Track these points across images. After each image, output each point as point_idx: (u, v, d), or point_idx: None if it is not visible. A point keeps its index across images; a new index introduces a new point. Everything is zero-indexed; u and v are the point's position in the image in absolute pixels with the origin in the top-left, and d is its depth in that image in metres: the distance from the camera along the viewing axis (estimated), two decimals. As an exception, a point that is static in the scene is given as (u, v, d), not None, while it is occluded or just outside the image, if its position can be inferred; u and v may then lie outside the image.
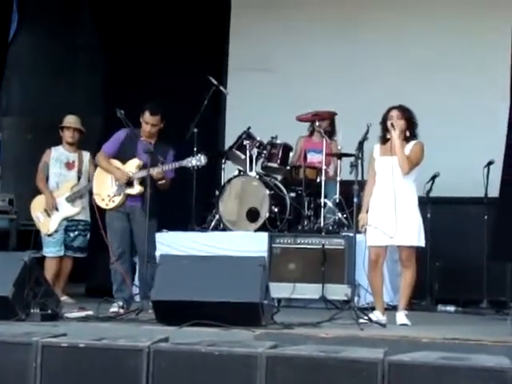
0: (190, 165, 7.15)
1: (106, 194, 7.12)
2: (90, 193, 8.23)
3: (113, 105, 7.42)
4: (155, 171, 6.93)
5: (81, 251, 8.34)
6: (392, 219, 6.35)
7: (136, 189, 7.04)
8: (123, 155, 7.14)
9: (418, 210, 6.49)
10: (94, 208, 7.12)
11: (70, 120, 8.41)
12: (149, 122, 7.09)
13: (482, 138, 9.34)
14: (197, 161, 7.13)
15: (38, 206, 8.28)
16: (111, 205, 7.10)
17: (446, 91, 9.60)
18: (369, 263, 6.51)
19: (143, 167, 6.98)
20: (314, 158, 8.76)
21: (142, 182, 6.98)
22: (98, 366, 4.73)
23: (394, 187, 6.37)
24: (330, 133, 8.96)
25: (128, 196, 7.07)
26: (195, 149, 8.28)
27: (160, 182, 7.02)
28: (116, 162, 7.16)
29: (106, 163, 7.17)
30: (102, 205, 7.14)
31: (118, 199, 7.09)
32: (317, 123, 8.86)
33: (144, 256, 6.78)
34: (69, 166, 8.35)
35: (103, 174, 7.20)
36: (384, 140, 6.53)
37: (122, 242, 7.04)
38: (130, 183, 7.05)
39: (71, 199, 8.24)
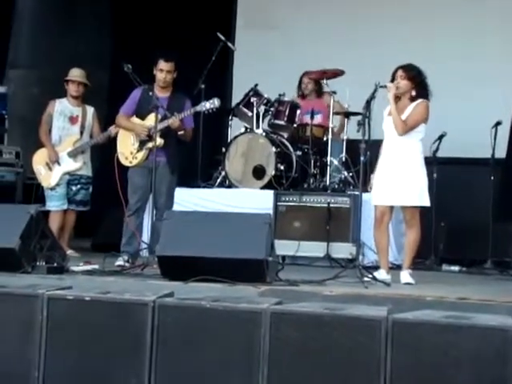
0: (204, 109, 7.14)
1: (129, 151, 7.15)
2: (92, 148, 8.28)
3: (120, 59, 7.38)
4: (170, 121, 6.94)
5: (83, 205, 8.34)
6: (390, 180, 6.36)
7: (157, 141, 6.97)
8: (142, 113, 7.15)
9: (422, 169, 6.46)
10: (113, 165, 7.05)
11: (75, 73, 8.34)
12: (164, 68, 7.07)
13: (490, 98, 9.28)
14: (211, 104, 7.11)
15: (39, 159, 8.26)
16: (134, 162, 7.13)
17: (455, 51, 9.54)
18: (374, 222, 6.53)
19: (162, 120, 6.97)
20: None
21: (163, 134, 6.97)
22: (104, 319, 4.75)
23: (393, 147, 6.38)
24: (317, 92, 8.95)
25: (151, 150, 7.04)
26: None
27: (180, 133, 7.03)
28: (136, 120, 7.19)
29: (127, 122, 7.22)
30: (126, 163, 7.16)
31: (140, 155, 7.12)
32: (303, 85, 8.91)
33: (161, 210, 6.81)
34: (72, 120, 8.31)
35: (125, 133, 7.23)
36: (395, 99, 6.48)
37: (141, 198, 7.09)
38: (151, 137, 7.02)
39: (73, 154, 8.21)
